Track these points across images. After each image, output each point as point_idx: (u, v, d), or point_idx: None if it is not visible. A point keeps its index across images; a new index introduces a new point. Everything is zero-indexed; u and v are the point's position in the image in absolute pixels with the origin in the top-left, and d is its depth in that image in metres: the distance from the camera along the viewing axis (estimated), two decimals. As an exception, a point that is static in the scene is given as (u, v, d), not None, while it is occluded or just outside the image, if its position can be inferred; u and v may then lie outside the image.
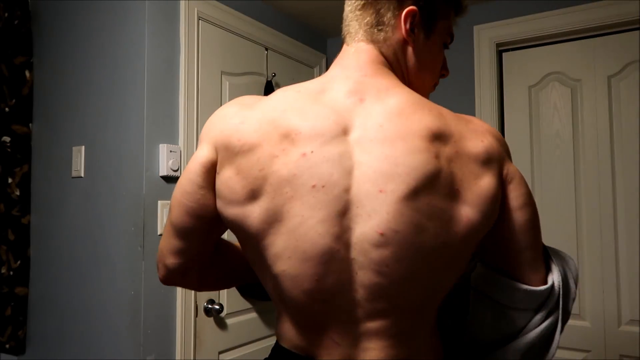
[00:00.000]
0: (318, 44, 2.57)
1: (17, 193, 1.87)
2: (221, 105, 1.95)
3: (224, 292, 1.91)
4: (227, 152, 0.71)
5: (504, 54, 2.24)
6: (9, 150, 1.86)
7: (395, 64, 0.81)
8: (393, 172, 0.66)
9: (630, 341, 1.91)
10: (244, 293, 1.99)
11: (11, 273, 1.85)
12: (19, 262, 1.87)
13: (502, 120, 2.22)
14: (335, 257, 0.67)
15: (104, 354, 1.67)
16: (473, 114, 2.22)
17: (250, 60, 2.10)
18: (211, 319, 1.85)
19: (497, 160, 0.72)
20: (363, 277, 0.68)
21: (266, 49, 2.19)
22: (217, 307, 1.82)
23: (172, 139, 1.74)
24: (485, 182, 0.70)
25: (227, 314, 1.91)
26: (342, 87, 0.74)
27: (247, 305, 2.02)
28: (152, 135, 1.66)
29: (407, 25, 0.78)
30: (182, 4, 1.78)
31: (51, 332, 1.83)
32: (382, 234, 0.66)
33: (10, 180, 1.86)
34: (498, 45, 2.20)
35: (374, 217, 0.66)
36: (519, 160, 2.16)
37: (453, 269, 0.73)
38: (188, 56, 1.78)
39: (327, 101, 0.72)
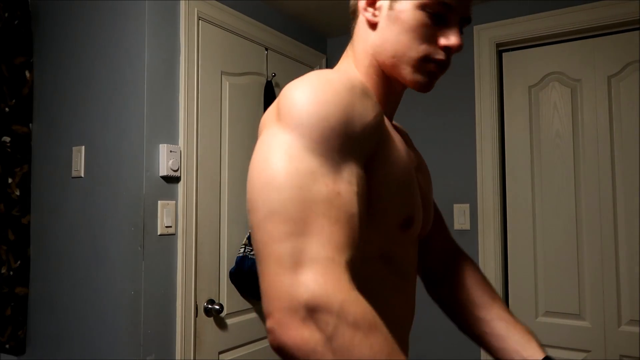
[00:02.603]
0: (318, 44, 2.57)
1: (17, 193, 1.87)
2: (221, 105, 1.95)
3: (223, 292, 1.91)
4: None
5: (504, 54, 2.24)
6: (9, 150, 1.86)
7: (359, 48, 0.76)
8: None
9: (630, 341, 1.91)
10: (244, 293, 1.99)
11: (11, 273, 1.85)
12: (19, 262, 1.87)
13: (502, 120, 2.22)
14: None
15: (104, 354, 1.67)
16: (473, 114, 2.22)
17: (250, 60, 2.10)
18: (211, 319, 1.85)
19: (262, 130, 0.63)
20: None
21: (266, 49, 2.19)
22: (217, 307, 1.81)
23: (172, 139, 1.74)
24: None
25: (227, 314, 1.91)
26: None
27: (247, 305, 2.02)
28: (152, 135, 1.66)
29: (363, 4, 0.74)
30: (182, 4, 1.78)
31: (51, 332, 1.83)
32: None
33: (10, 180, 1.86)
34: (498, 45, 2.20)
35: None
36: (519, 160, 2.16)
37: None
38: (188, 56, 1.78)
39: None
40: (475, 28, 2.22)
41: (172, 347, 1.69)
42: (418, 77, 0.72)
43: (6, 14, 1.84)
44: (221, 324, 1.89)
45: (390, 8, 0.72)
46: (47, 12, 1.95)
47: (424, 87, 0.73)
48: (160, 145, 1.68)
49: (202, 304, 1.82)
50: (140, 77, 1.66)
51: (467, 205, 2.21)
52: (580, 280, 2.02)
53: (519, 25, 2.13)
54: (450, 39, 0.70)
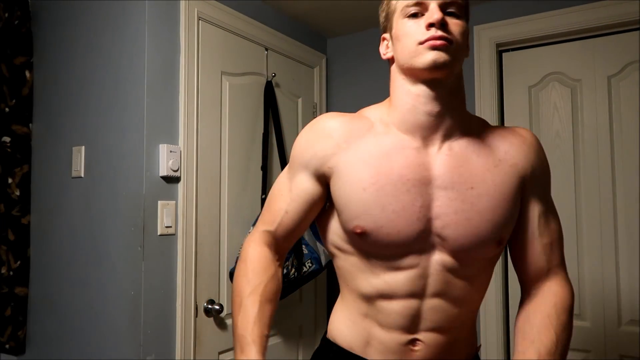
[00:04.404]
0: (318, 44, 2.56)
1: (17, 193, 1.87)
2: (221, 105, 1.95)
3: (224, 292, 1.91)
4: None
5: (504, 54, 2.24)
6: (9, 150, 1.86)
7: (391, 78, 0.96)
8: None
9: (630, 341, 1.91)
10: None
11: (11, 273, 1.85)
12: (19, 262, 1.87)
13: (502, 120, 2.22)
14: None
15: (104, 354, 1.67)
16: (473, 113, 2.21)
17: (250, 60, 2.10)
18: (211, 319, 1.85)
19: None
20: None
21: (266, 49, 2.19)
22: (217, 307, 1.81)
23: (172, 139, 1.74)
24: None
25: (227, 314, 1.91)
26: None
27: (247, 305, 2.01)
28: (152, 135, 1.66)
29: (381, 51, 0.97)
30: (182, 4, 1.78)
31: (51, 332, 1.83)
32: None
33: (10, 180, 1.86)
34: (498, 45, 2.20)
35: None
36: (519, 160, 2.16)
37: None
38: (188, 56, 1.78)
39: None
40: (476, 28, 2.22)
41: (172, 347, 1.69)
42: (423, 58, 0.85)
43: (6, 14, 1.84)
44: (221, 324, 1.88)
45: (391, 35, 0.93)
46: (47, 12, 1.95)
47: (432, 63, 0.84)
48: (160, 145, 1.68)
49: (202, 304, 1.82)
50: (140, 77, 1.66)
51: (467, 205, 2.20)
52: (580, 281, 2.02)
53: (519, 26, 2.13)
54: (431, 17, 0.84)
